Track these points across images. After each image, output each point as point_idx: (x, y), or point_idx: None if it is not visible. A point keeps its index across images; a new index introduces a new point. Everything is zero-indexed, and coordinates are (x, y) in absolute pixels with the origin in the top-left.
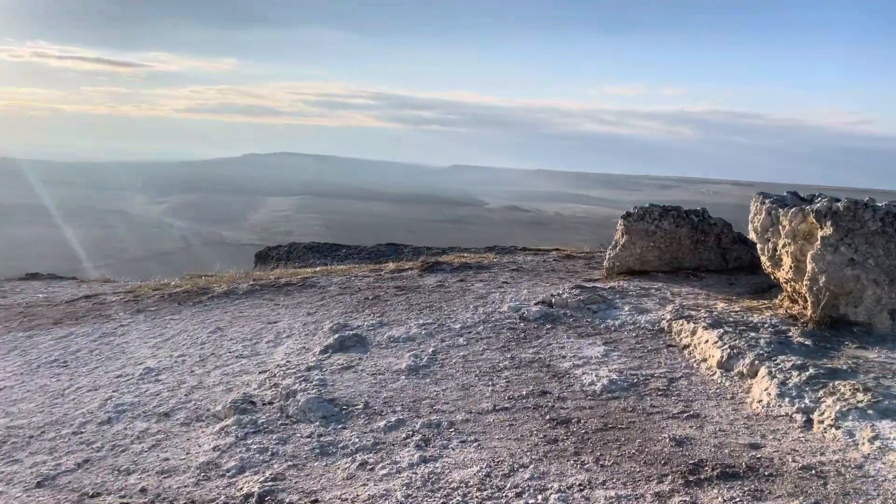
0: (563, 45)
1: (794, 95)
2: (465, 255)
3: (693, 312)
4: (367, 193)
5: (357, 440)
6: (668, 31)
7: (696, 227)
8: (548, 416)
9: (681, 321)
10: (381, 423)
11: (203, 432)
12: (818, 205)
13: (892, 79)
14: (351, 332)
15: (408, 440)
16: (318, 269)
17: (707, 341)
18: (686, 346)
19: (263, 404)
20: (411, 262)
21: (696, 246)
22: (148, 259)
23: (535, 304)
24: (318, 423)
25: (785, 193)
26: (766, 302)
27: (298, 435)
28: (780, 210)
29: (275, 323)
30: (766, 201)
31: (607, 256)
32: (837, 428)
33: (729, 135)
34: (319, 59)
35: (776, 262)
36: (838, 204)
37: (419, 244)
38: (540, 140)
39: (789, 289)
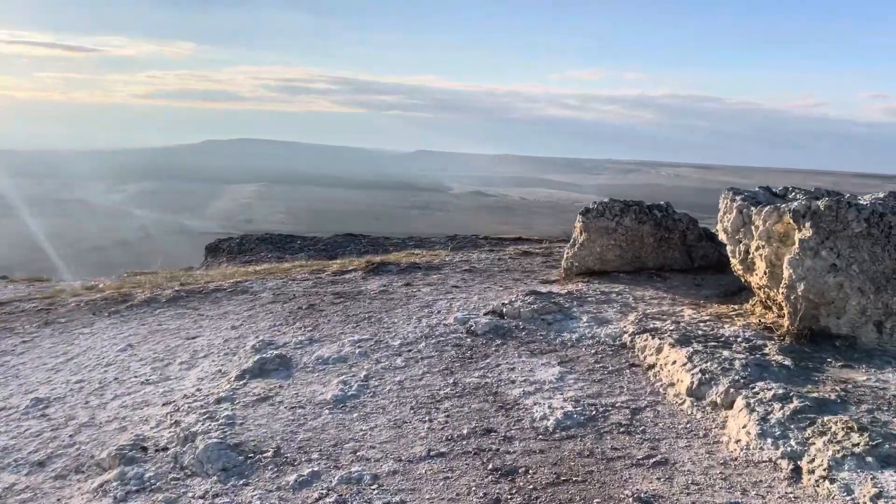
0: (525, 29)
1: (751, 79)
2: (417, 252)
3: (658, 323)
4: (331, 180)
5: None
6: (630, 14)
7: (659, 223)
8: (490, 465)
9: (645, 336)
10: (292, 478)
11: (78, 490)
12: (795, 204)
13: (847, 61)
14: (275, 352)
15: (320, 503)
16: (259, 268)
17: (675, 362)
18: (651, 367)
19: (156, 450)
20: (357, 261)
21: (659, 244)
22: (107, 249)
23: (485, 313)
24: (215, 477)
25: (757, 189)
26: (736, 307)
27: (190, 495)
28: (753, 209)
29: (193, 339)
30: (737, 198)
31: (565, 256)
32: (832, 481)
33: (689, 118)
34: (280, 44)
35: (748, 266)
36: (818, 203)
37: (382, 232)
38: (504, 125)
39: (763, 295)
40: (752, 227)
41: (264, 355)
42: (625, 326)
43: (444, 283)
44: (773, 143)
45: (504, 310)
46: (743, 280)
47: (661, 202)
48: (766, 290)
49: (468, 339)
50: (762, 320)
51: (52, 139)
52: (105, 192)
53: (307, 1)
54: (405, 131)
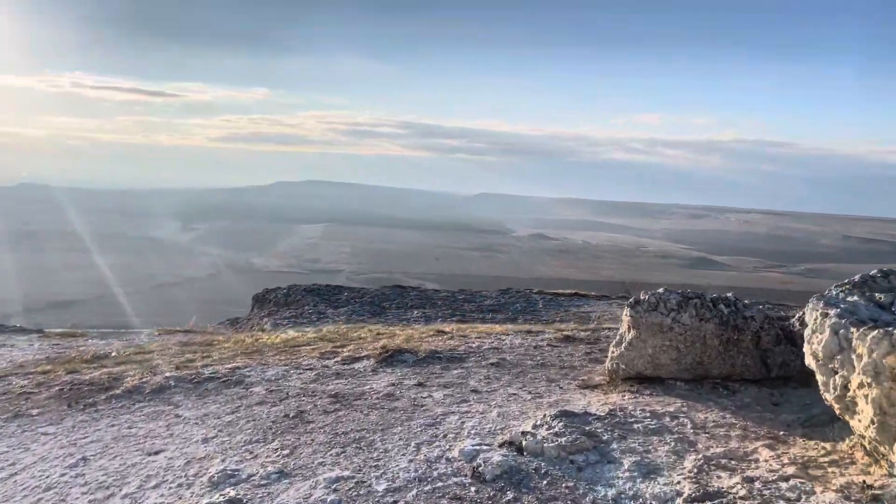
0: (591, 73)
1: (824, 124)
2: (446, 331)
3: (724, 479)
4: (394, 221)
5: None
6: (696, 60)
7: (726, 321)
8: None
9: None
10: None
11: None
12: None
13: None
14: (230, 495)
15: None
16: (276, 339)
17: None
18: None
19: None
20: (373, 345)
21: (726, 347)
22: (177, 286)
23: (501, 444)
24: None
25: (856, 299)
26: (828, 448)
27: None
28: (853, 330)
29: (156, 454)
30: (831, 313)
31: (610, 355)
32: None
33: (758, 163)
34: (348, 89)
35: (847, 406)
36: None
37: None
38: (567, 168)
39: (868, 445)
40: (853, 356)
41: (215, 500)
42: (679, 483)
43: (464, 384)
44: (849, 189)
45: (524, 441)
46: (840, 416)
47: (729, 294)
48: (875, 443)
49: (472, 489)
50: (867, 481)
51: (132, 179)
52: (178, 230)
53: (375, 48)
54: (469, 174)
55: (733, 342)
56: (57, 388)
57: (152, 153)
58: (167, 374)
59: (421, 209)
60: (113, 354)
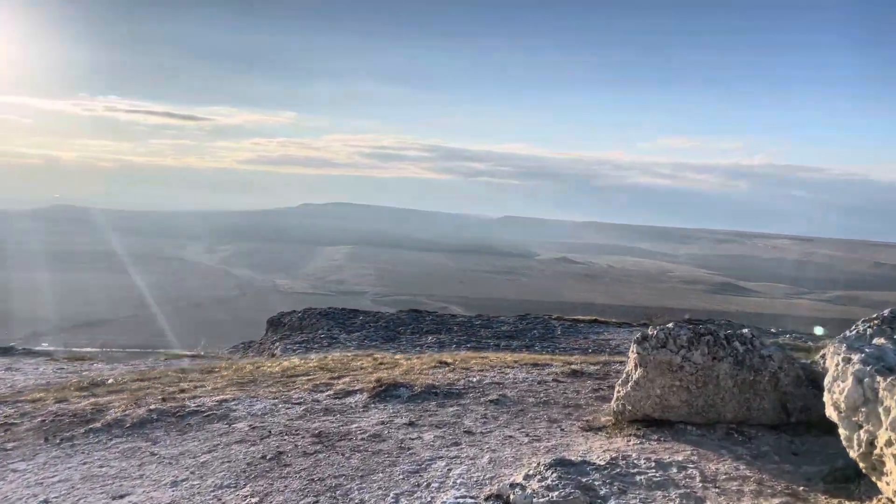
0: (616, 96)
1: (855, 149)
2: (448, 361)
3: None
4: (419, 243)
5: None
6: (723, 84)
7: (741, 360)
8: None
9: None
10: None
11: None
12: None
13: None
14: None
15: None
16: (274, 368)
17: None
18: None
19: None
20: (369, 377)
21: (741, 389)
22: (205, 306)
23: (487, 497)
24: None
25: (883, 342)
26: None
27: None
28: (880, 380)
29: (119, 500)
30: (854, 359)
31: (616, 395)
32: None
33: (787, 188)
34: (374, 113)
35: (874, 465)
36: None
37: (466, 294)
38: (592, 192)
39: None
40: (880, 409)
41: None
42: None
43: (458, 424)
44: (880, 215)
45: (512, 496)
46: (865, 473)
47: (745, 330)
48: None
49: None
50: None
51: (163, 201)
52: (206, 251)
53: (400, 72)
54: (493, 197)
55: (749, 383)
56: (40, 419)
57: (183, 175)
58: (151, 407)
59: (445, 232)
60: (109, 381)
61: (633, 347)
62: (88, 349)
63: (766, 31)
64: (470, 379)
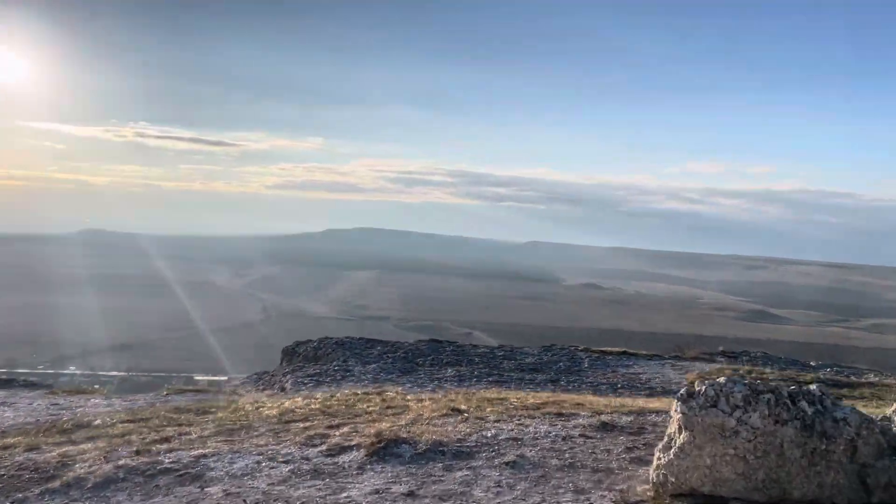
0: (642, 121)
1: (888, 174)
2: (463, 410)
3: None
4: (443, 268)
5: None
6: (752, 107)
7: (809, 424)
8: None
9: None
10: None
11: None
12: None
13: None
14: None
15: None
16: (272, 411)
17: None
18: None
19: None
20: (369, 429)
21: (811, 460)
22: (232, 330)
23: None
24: None
25: None
26: None
27: None
28: None
29: None
30: None
31: (656, 462)
32: None
33: (819, 214)
34: (400, 138)
35: None
36: None
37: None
38: (618, 217)
39: None
40: None
41: None
42: None
43: (466, 496)
44: None
45: None
46: None
47: (813, 387)
48: None
49: None
50: None
51: (192, 226)
52: (233, 276)
53: (426, 98)
54: (518, 222)
55: (820, 453)
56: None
57: (211, 200)
58: (121, 462)
59: (470, 257)
60: (96, 423)
61: (677, 406)
62: (114, 373)
63: (796, 53)
64: (484, 433)
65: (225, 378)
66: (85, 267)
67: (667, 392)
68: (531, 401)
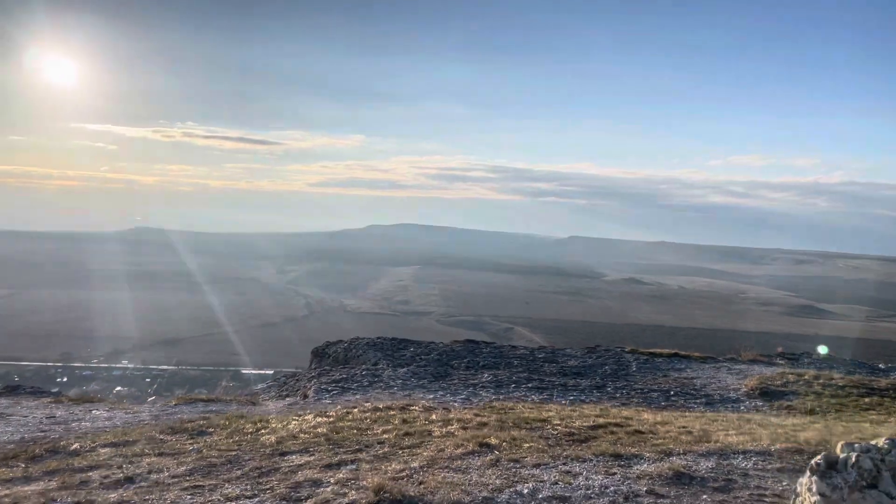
0: (686, 115)
1: None
2: (493, 442)
3: None
4: (484, 264)
5: None
6: (796, 99)
7: None
8: None
9: None
10: None
11: None
12: None
13: None
14: None
15: None
16: (272, 436)
17: None
18: None
19: None
20: (368, 482)
21: None
22: (276, 325)
23: None
24: None
25: None
26: None
27: None
28: None
29: None
30: None
31: None
32: None
33: (869, 206)
34: (440, 134)
35: None
36: None
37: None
38: (661, 212)
39: None
40: None
41: None
42: None
43: None
44: None
45: None
46: None
47: None
48: None
49: None
50: None
51: (238, 223)
52: (277, 272)
53: (466, 94)
54: (560, 217)
55: None
56: None
57: (256, 198)
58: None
59: (511, 252)
60: (73, 447)
61: (809, 482)
62: (165, 367)
63: (842, 43)
64: (518, 488)
65: (271, 371)
66: (136, 264)
67: (725, 400)
68: (577, 423)
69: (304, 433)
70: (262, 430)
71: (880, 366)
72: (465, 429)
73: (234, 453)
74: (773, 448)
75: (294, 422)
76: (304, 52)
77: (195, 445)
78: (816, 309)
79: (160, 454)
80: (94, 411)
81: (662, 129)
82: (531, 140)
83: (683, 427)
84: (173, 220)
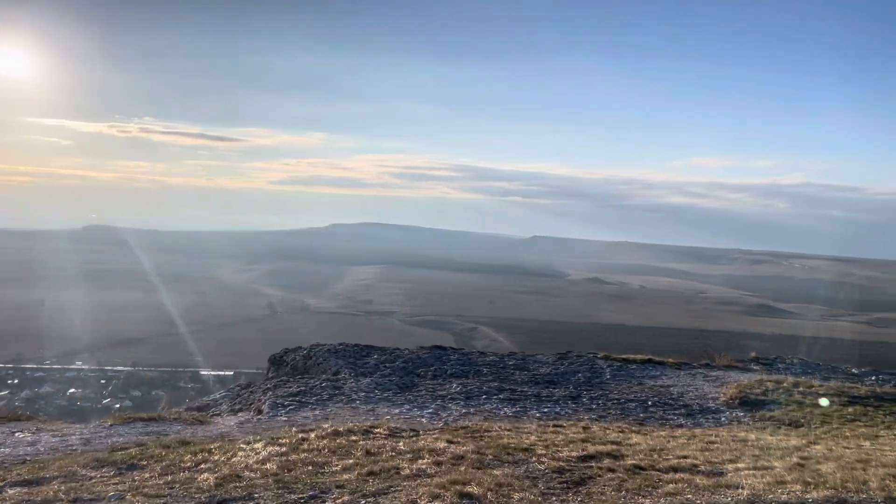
0: (648, 116)
1: (894, 168)
2: (476, 488)
3: None
4: (448, 263)
5: None
6: (756, 101)
7: None
8: None
9: None
10: None
11: None
12: None
13: None
14: None
15: None
16: (223, 464)
17: None
18: None
19: None
20: None
21: None
22: (236, 325)
23: None
24: None
25: None
26: None
27: None
28: None
29: None
30: None
31: None
32: None
33: (825, 208)
34: (404, 133)
35: None
36: None
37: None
38: (622, 212)
39: None
40: None
41: None
42: None
43: None
44: None
45: None
46: None
47: None
48: None
49: None
50: None
51: (197, 221)
52: (238, 271)
53: (429, 92)
54: (523, 217)
55: None
56: None
57: (216, 196)
58: None
59: (475, 252)
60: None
61: None
62: (121, 368)
63: (801, 45)
64: None
65: (231, 373)
66: (91, 263)
67: (705, 411)
68: (564, 452)
69: (250, 471)
70: (202, 465)
71: (854, 371)
72: (438, 464)
73: (166, 493)
74: (809, 498)
75: (240, 453)
76: (267, 49)
77: (119, 488)
78: (773, 308)
79: (73, 501)
80: (17, 433)
81: (624, 129)
82: (495, 140)
83: (684, 457)
84: (130, 218)
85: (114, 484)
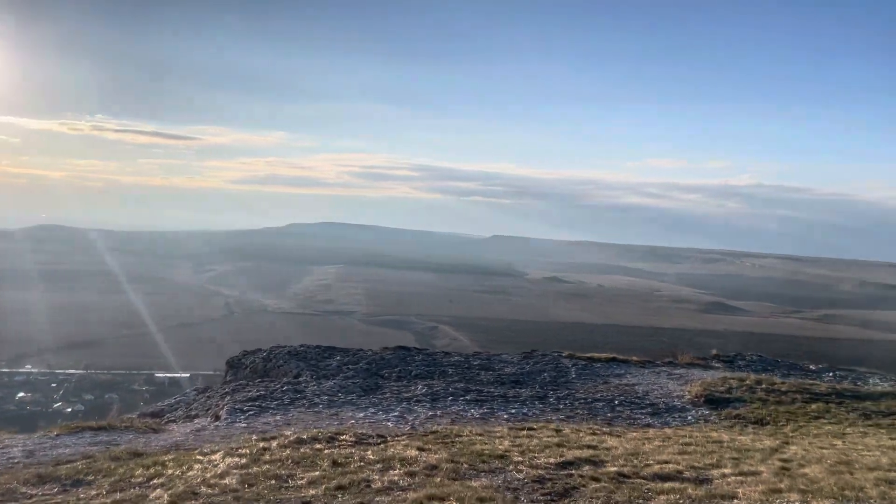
0: (605, 117)
1: (841, 169)
2: (443, 492)
3: None
4: (408, 263)
5: None
6: (710, 103)
7: None
8: None
9: None
10: None
11: None
12: None
13: None
14: None
15: None
16: (179, 480)
17: None
18: None
19: None
20: None
21: None
22: (194, 325)
23: None
24: None
25: None
26: None
27: None
28: None
29: None
30: None
31: None
32: None
33: (775, 208)
34: (364, 132)
35: None
36: None
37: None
38: (581, 211)
39: None
40: None
41: None
42: None
43: None
44: (868, 235)
45: None
46: None
47: None
48: None
49: None
50: None
51: (152, 221)
52: (195, 271)
53: (389, 92)
54: (483, 217)
55: None
56: None
57: (171, 195)
58: None
59: (435, 251)
60: None
61: None
62: (73, 371)
63: (752, 47)
64: None
65: (187, 375)
66: (41, 263)
67: (671, 409)
68: (541, 459)
69: (208, 486)
70: (155, 481)
71: (811, 367)
72: (411, 475)
73: None
74: None
75: (197, 466)
76: (224, 47)
77: (72, 497)
78: (726, 305)
79: None
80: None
81: (582, 130)
82: (455, 139)
83: (665, 462)
84: (83, 217)
85: (56, 503)
